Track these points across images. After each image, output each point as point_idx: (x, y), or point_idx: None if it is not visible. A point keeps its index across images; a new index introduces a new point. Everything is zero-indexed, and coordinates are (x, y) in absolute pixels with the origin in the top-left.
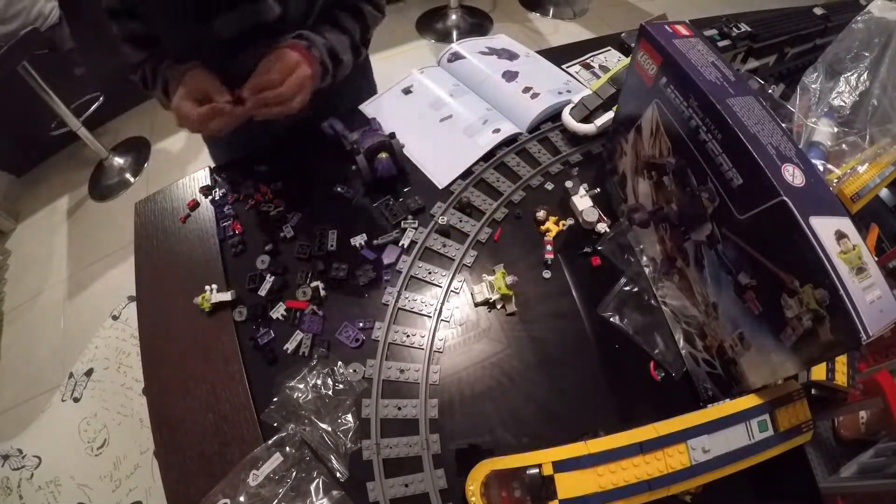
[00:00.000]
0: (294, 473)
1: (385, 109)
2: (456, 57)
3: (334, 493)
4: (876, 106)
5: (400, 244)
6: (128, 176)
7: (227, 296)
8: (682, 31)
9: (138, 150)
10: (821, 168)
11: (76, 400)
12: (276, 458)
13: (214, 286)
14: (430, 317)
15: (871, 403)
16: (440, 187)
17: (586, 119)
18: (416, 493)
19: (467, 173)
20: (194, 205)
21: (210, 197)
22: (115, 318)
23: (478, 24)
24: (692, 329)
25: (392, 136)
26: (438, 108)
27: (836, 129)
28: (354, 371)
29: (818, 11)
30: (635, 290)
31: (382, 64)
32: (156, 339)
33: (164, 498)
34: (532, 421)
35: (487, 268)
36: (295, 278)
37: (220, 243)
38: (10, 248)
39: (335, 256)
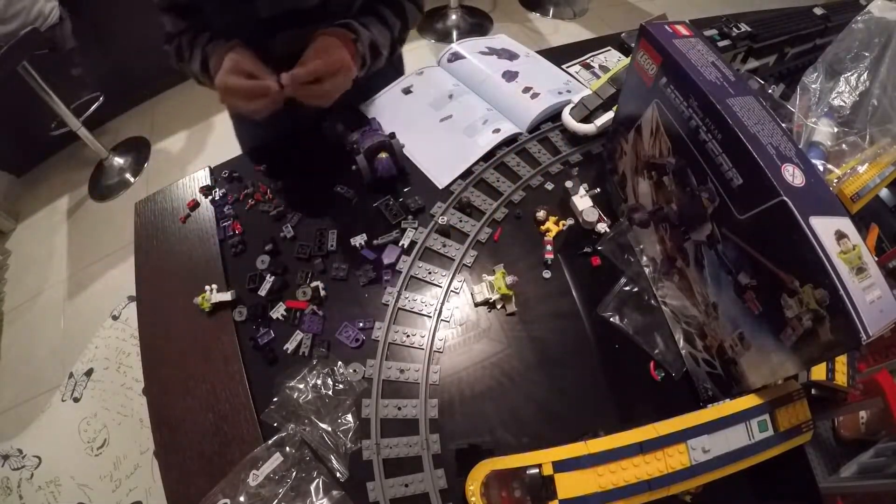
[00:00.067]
0: (294, 473)
1: (385, 109)
2: (456, 57)
3: (334, 493)
4: (876, 106)
5: (400, 244)
6: (128, 176)
7: (227, 296)
8: (682, 31)
9: (138, 150)
10: (821, 168)
11: (76, 400)
12: (276, 458)
13: (214, 286)
14: (430, 317)
15: (871, 403)
16: (440, 187)
17: (586, 119)
18: (416, 493)
19: (467, 173)
20: (194, 205)
21: (210, 197)
22: (115, 318)
23: (478, 24)
24: (692, 329)
25: (392, 136)
26: (438, 108)
27: (836, 129)
28: (354, 371)
29: (818, 11)
30: (635, 290)
31: None
32: (156, 339)
33: (164, 498)
34: (532, 421)
35: (487, 268)
36: (295, 278)
37: (220, 243)
38: (10, 248)
39: (335, 256)
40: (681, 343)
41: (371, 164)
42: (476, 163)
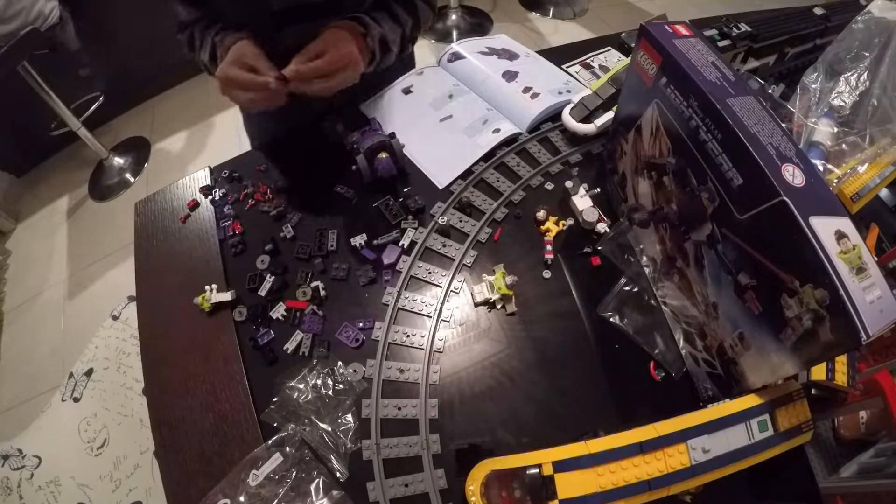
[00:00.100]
0: (294, 473)
1: (385, 109)
2: (456, 57)
3: (334, 493)
4: (876, 106)
5: (400, 244)
6: (128, 176)
7: (227, 296)
8: (682, 31)
9: (138, 150)
10: (821, 168)
11: (76, 400)
12: (276, 458)
13: (214, 286)
14: (430, 317)
15: (871, 403)
16: (440, 187)
17: (586, 119)
18: (416, 493)
19: (467, 173)
20: (194, 205)
21: (210, 197)
22: (115, 318)
23: (478, 24)
24: (692, 329)
25: (392, 136)
26: (438, 108)
27: (836, 129)
28: (354, 371)
29: (818, 11)
30: (635, 290)
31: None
32: (156, 339)
33: (164, 498)
34: (532, 421)
35: (487, 268)
36: (295, 278)
37: (220, 243)
38: (10, 248)
39: (335, 256)
40: (681, 343)
41: (371, 164)
42: (476, 163)
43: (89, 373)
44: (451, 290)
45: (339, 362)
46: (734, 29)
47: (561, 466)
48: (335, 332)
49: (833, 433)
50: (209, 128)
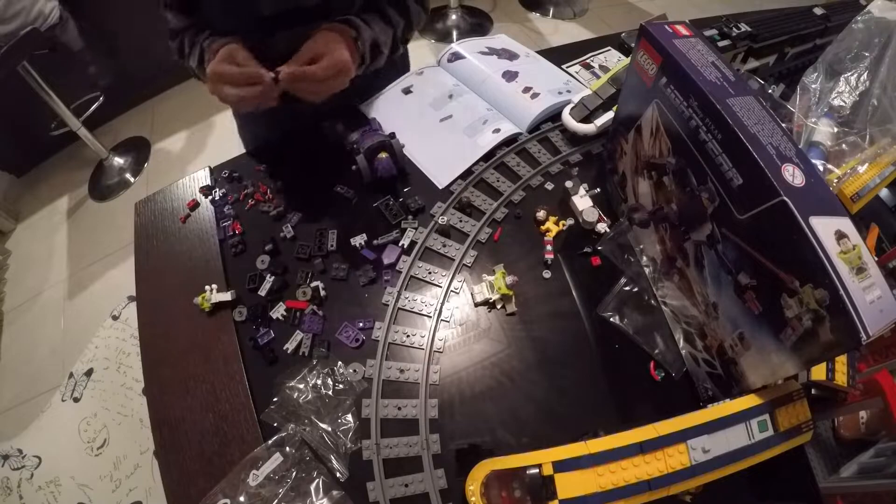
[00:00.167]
0: (294, 473)
1: (385, 109)
2: (456, 57)
3: (334, 493)
4: (876, 106)
5: (400, 244)
6: (128, 176)
7: (227, 296)
8: (682, 31)
9: (138, 150)
10: (821, 168)
11: (76, 400)
12: (276, 458)
13: (214, 286)
14: (430, 317)
15: (871, 403)
16: (440, 187)
17: (586, 119)
18: (416, 493)
19: (467, 173)
20: (194, 205)
21: (210, 197)
22: (115, 318)
23: (478, 24)
24: (692, 329)
25: (392, 136)
26: (438, 108)
27: (836, 129)
28: (354, 371)
29: (818, 11)
30: (635, 290)
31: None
32: (156, 339)
33: (164, 498)
34: (532, 421)
35: (487, 268)
36: (295, 278)
37: (220, 243)
38: (10, 248)
39: (335, 256)
40: (681, 343)
41: (371, 164)
42: (476, 163)
43: (89, 373)
44: (451, 290)
45: (339, 362)
46: (734, 29)
47: (561, 466)
48: (335, 332)
49: (833, 433)
50: (209, 128)
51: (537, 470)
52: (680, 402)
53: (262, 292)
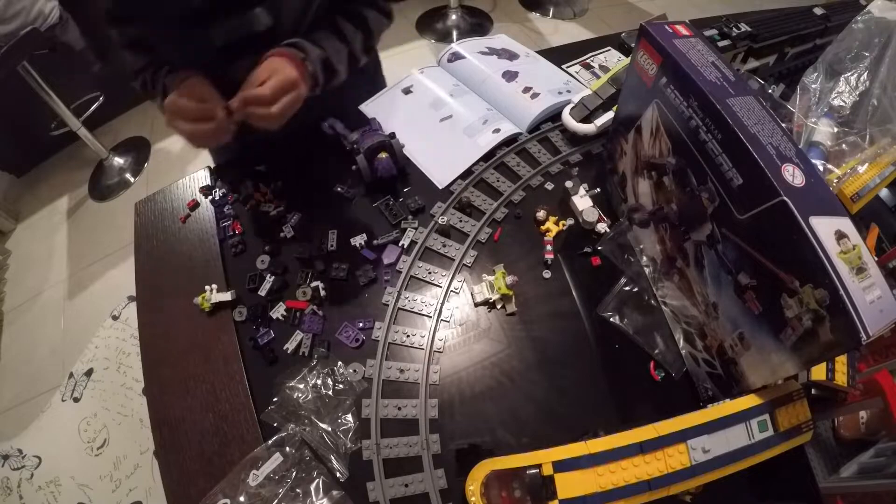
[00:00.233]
0: (294, 473)
1: (385, 109)
2: (456, 57)
3: (334, 493)
4: (876, 106)
5: (400, 244)
6: (128, 176)
7: (227, 296)
8: (682, 31)
9: (138, 150)
10: (821, 168)
11: (76, 400)
12: (276, 458)
13: (214, 286)
14: (430, 317)
15: (871, 403)
16: (440, 187)
17: (586, 119)
18: (416, 493)
19: (467, 173)
20: (194, 205)
21: (210, 197)
22: (115, 318)
23: (478, 24)
24: (692, 329)
25: (392, 136)
26: (438, 108)
27: (836, 129)
28: (354, 371)
29: (818, 11)
30: (635, 290)
31: (382, 64)
32: (156, 339)
33: (164, 498)
34: (532, 421)
35: (487, 268)
36: (295, 278)
37: (220, 243)
38: (10, 248)
39: (335, 256)
40: (681, 343)
41: (371, 164)
42: (476, 163)
43: (89, 373)
44: (451, 290)
45: (339, 362)
46: (734, 29)
47: (561, 466)
48: (335, 332)
49: (833, 433)
50: None
51: (537, 470)
52: (680, 402)
53: (262, 292)
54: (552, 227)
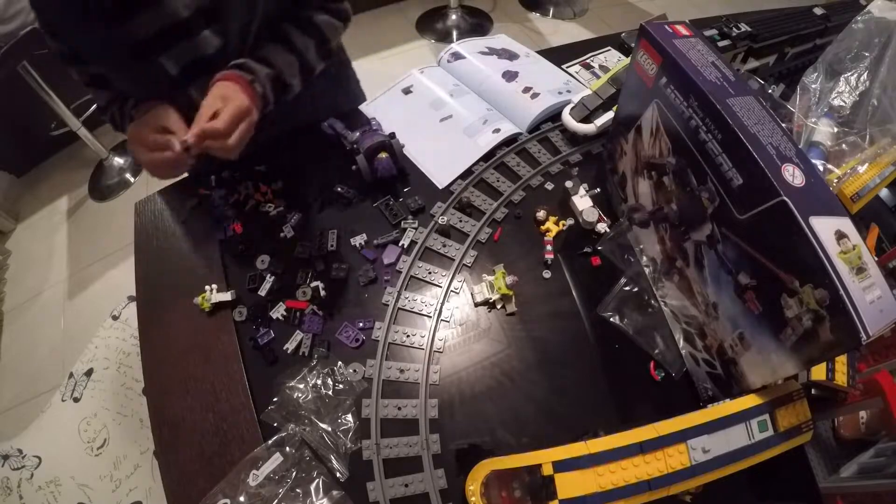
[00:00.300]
0: (294, 473)
1: (385, 109)
2: (456, 57)
3: (334, 493)
4: (876, 106)
5: (400, 244)
6: (128, 176)
7: (227, 296)
8: (682, 31)
9: None
10: (821, 168)
11: (76, 400)
12: (276, 458)
13: (214, 286)
14: (430, 317)
15: (871, 403)
16: (440, 187)
17: (586, 119)
18: (416, 493)
19: (467, 173)
20: (194, 205)
21: (210, 197)
22: (115, 318)
23: (478, 24)
24: (692, 329)
25: (392, 136)
26: (438, 108)
27: (836, 129)
28: (354, 371)
29: (818, 11)
30: (635, 290)
31: (382, 64)
32: (156, 339)
33: (164, 498)
34: (532, 421)
35: (487, 268)
36: (295, 278)
37: (220, 243)
38: (10, 248)
39: (335, 256)
40: (681, 343)
41: (371, 164)
42: (476, 163)
43: (89, 373)
44: (451, 290)
45: (339, 362)
46: (734, 29)
47: (561, 466)
48: (335, 332)
49: (833, 433)
50: None
51: (537, 470)
52: (680, 402)
53: (262, 292)
54: (552, 227)
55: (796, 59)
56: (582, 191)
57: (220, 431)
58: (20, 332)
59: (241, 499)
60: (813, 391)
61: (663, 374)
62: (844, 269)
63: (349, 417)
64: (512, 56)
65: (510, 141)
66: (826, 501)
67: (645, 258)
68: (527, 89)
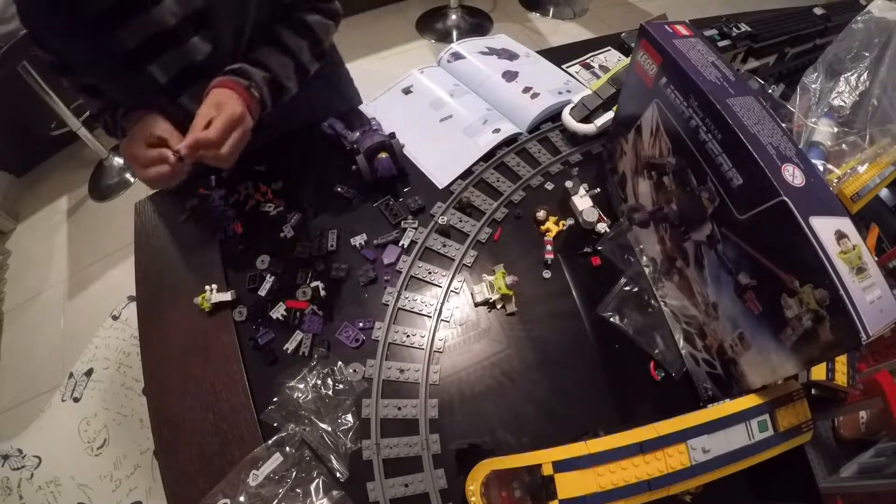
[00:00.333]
0: (294, 473)
1: (385, 109)
2: (456, 57)
3: (334, 493)
4: (876, 106)
5: (400, 244)
6: (128, 176)
7: (227, 296)
8: (682, 31)
9: None
10: (821, 168)
11: (76, 400)
12: (276, 458)
13: (214, 286)
14: (430, 317)
15: (871, 403)
16: (440, 187)
17: (586, 119)
18: (416, 493)
19: (467, 173)
20: (195, 205)
21: (210, 197)
22: (115, 318)
23: (478, 24)
24: (692, 329)
25: (392, 136)
26: (438, 108)
27: (836, 129)
28: (354, 371)
29: (818, 11)
30: (635, 290)
31: (382, 64)
32: (156, 339)
33: (164, 498)
34: (532, 421)
35: (487, 268)
36: (295, 278)
37: (220, 243)
38: (10, 248)
39: (335, 256)
40: (681, 343)
41: (371, 164)
42: (476, 163)
43: (89, 373)
44: (451, 290)
45: (339, 362)
46: (734, 29)
47: (561, 466)
48: (335, 332)
49: (833, 433)
50: None
51: (537, 470)
52: (680, 402)
53: (262, 292)
54: (552, 227)
55: (796, 59)
56: (582, 191)
57: (220, 431)
58: (20, 332)
59: (241, 499)
60: (813, 391)
61: (663, 374)
62: (844, 269)
63: (349, 417)
64: (512, 56)
65: (510, 141)
66: (826, 501)
67: (645, 258)
68: (527, 89)
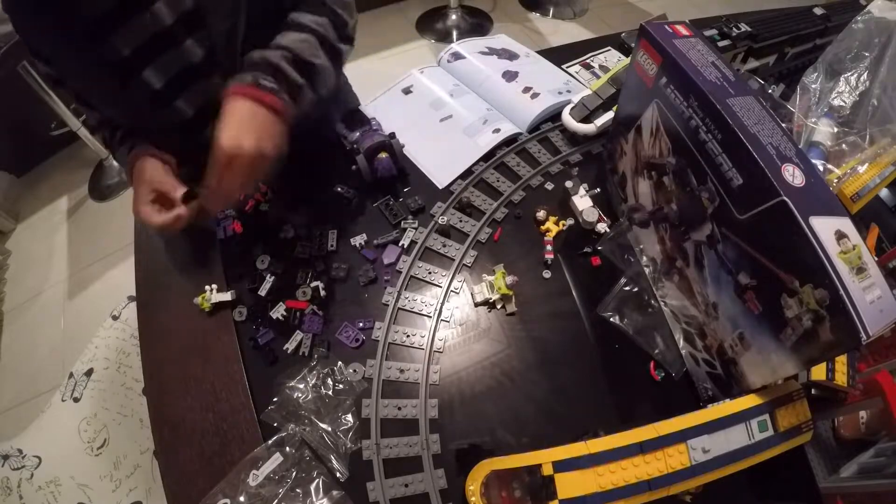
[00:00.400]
0: (294, 473)
1: (385, 109)
2: (456, 57)
3: (334, 493)
4: (876, 106)
5: (400, 244)
6: None
7: (227, 296)
8: (682, 31)
9: None
10: (821, 168)
11: (76, 400)
12: (276, 458)
13: (214, 286)
14: (430, 317)
15: (871, 403)
16: (440, 187)
17: (586, 119)
18: (416, 493)
19: (467, 173)
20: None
21: None
22: (115, 318)
23: (478, 24)
24: (692, 329)
25: (392, 136)
26: (438, 108)
27: (836, 129)
28: (354, 371)
29: (818, 11)
30: (635, 290)
31: (382, 64)
32: (156, 339)
33: (164, 498)
34: (532, 421)
35: (487, 268)
36: (295, 278)
37: (220, 243)
38: (10, 248)
39: (335, 256)
40: (681, 343)
41: (371, 164)
42: (476, 163)
43: (89, 373)
44: (451, 290)
45: (339, 362)
46: (734, 29)
47: (561, 466)
48: (335, 332)
49: (833, 433)
50: None
51: (537, 470)
52: (680, 402)
53: (262, 292)
54: (552, 227)
55: (796, 59)
56: (582, 191)
57: (220, 431)
58: (20, 332)
59: (241, 499)
60: (813, 391)
61: (663, 374)
62: (844, 269)
63: (349, 417)
64: (512, 56)
65: (510, 141)
66: (826, 501)
67: (645, 258)
68: (527, 89)
